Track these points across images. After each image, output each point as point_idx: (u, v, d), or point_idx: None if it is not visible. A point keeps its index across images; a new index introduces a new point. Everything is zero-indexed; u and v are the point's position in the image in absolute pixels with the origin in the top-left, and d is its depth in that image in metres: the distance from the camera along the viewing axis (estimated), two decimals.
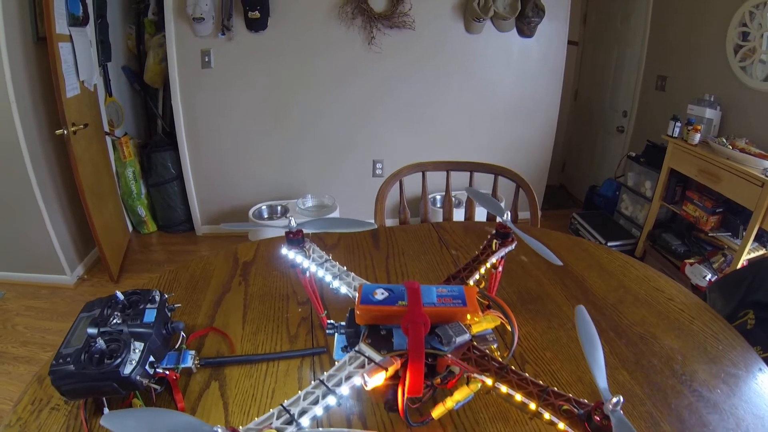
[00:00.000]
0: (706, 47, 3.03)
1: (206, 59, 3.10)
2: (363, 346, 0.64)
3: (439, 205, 3.65)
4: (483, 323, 0.70)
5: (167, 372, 0.83)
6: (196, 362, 0.88)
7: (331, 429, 0.52)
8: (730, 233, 2.77)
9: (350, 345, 0.70)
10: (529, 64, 3.56)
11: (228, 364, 0.92)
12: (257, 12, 2.97)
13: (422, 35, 3.28)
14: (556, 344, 0.99)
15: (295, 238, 0.84)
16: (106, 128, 3.23)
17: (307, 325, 1.03)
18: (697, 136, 2.81)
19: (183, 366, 0.85)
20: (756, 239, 2.52)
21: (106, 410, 0.78)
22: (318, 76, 3.31)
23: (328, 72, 3.31)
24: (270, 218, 3.37)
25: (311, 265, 0.83)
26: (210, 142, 3.42)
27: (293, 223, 0.84)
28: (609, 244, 3.38)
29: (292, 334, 1.00)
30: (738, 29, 2.75)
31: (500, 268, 0.92)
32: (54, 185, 2.82)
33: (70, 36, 2.57)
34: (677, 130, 2.96)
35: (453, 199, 1.97)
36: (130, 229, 3.67)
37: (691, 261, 2.88)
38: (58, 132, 2.53)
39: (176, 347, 0.89)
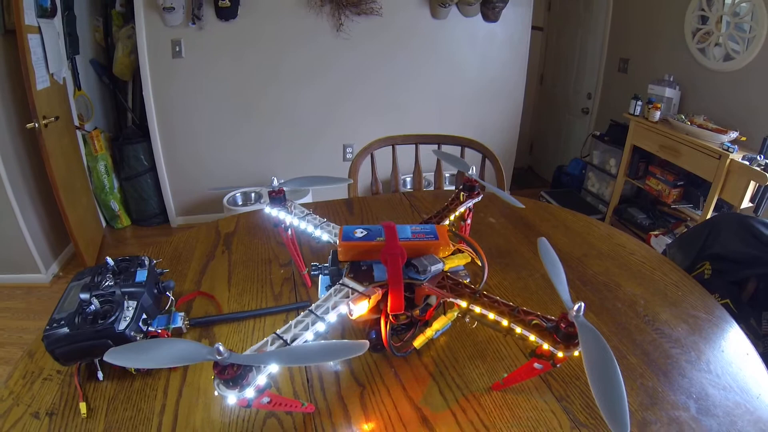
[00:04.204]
0: (666, 30, 3.15)
1: (177, 49, 3.09)
2: (346, 280, 0.69)
3: (409, 187, 3.69)
4: (454, 260, 0.76)
5: (159, 331, 0.86)
6: (186, 323, 0.91)
7: (322, 341, 0.57)
8: (691, 205, 2.90)
9: (333, 284, 0.75)
10: (494, 48, 3.63)
11: (217, 323, 0.95)
12: (227, 1, 2.97)
13: (390, 21, 3.33)
14: (525, 291, 1.05)
15: (277, 196, 0.88)
16: (76, 122, 3.20)
17: (290, 284, 1.08)
18: (658, 114, 2.93)
19: (173, 326, 0.88)
20: (715, 209, 2.64)
21: (99, 374, 0.80)
22: (288, 63, 3.33)
23: (298, 59, 3.33)
24: (244, 205, 3.39)
25: (294, 219, 0.87)
26: (182, 132, 3.40)
27: (275, 182, 0.88)
28: None
29: (276, 293, 1.04)
30: (696, 13, 2.86)
31: (468, 221, 0.98)
32: (25, 181, 2.76)
33: (39, 28, 2.54)
34: (638, 108, 3.08)
35: (423, 180, 2.03)
36: (104, 224, 3.63)
37: (656, 233, 3.00)
38: (29, 125, 2.49)
39: (165, 309, 0.92)
